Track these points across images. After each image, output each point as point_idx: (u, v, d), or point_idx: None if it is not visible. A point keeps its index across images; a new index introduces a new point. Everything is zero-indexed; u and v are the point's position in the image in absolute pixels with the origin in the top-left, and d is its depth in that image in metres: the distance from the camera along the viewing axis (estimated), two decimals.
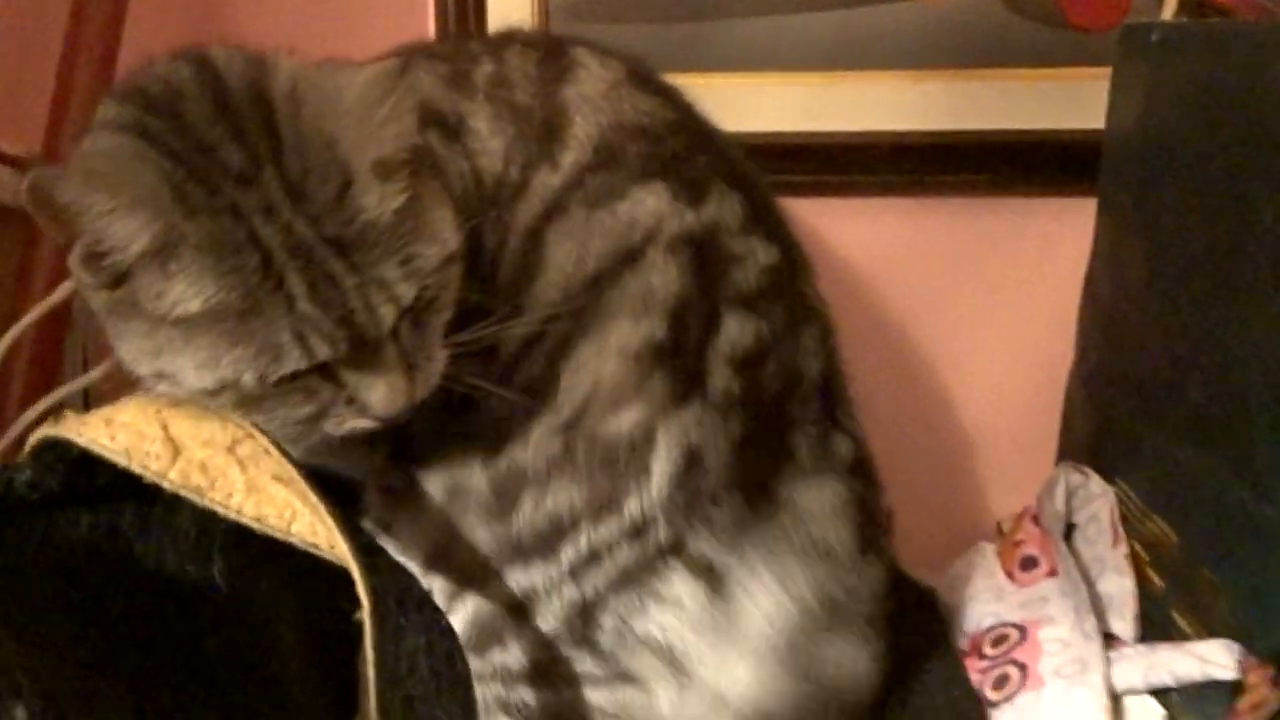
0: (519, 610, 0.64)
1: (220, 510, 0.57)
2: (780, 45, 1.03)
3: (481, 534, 0.63)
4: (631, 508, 0.61)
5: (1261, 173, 0.62)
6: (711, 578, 0.63)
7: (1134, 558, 0.74)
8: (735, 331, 0.64)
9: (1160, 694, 0.65)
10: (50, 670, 0.49)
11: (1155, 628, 0.70)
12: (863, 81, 1.03)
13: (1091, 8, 0.98)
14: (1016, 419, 1.06)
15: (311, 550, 0.57)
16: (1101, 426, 0.85)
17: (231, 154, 0.53)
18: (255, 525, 0.57)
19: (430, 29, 1.02)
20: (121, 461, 0.56)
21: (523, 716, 0.64)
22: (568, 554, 0.62)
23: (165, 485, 0.56)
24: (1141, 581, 0.73)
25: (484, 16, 1.02)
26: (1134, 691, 0.66)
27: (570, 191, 0.64)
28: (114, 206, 0.51)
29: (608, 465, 0.61)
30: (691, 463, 0.62)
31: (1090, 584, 0.74)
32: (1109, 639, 0.70)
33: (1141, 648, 0.68)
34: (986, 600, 0.78)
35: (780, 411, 0.67)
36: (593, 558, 0.62)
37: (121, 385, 0.62)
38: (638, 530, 0.62)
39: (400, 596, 0.60)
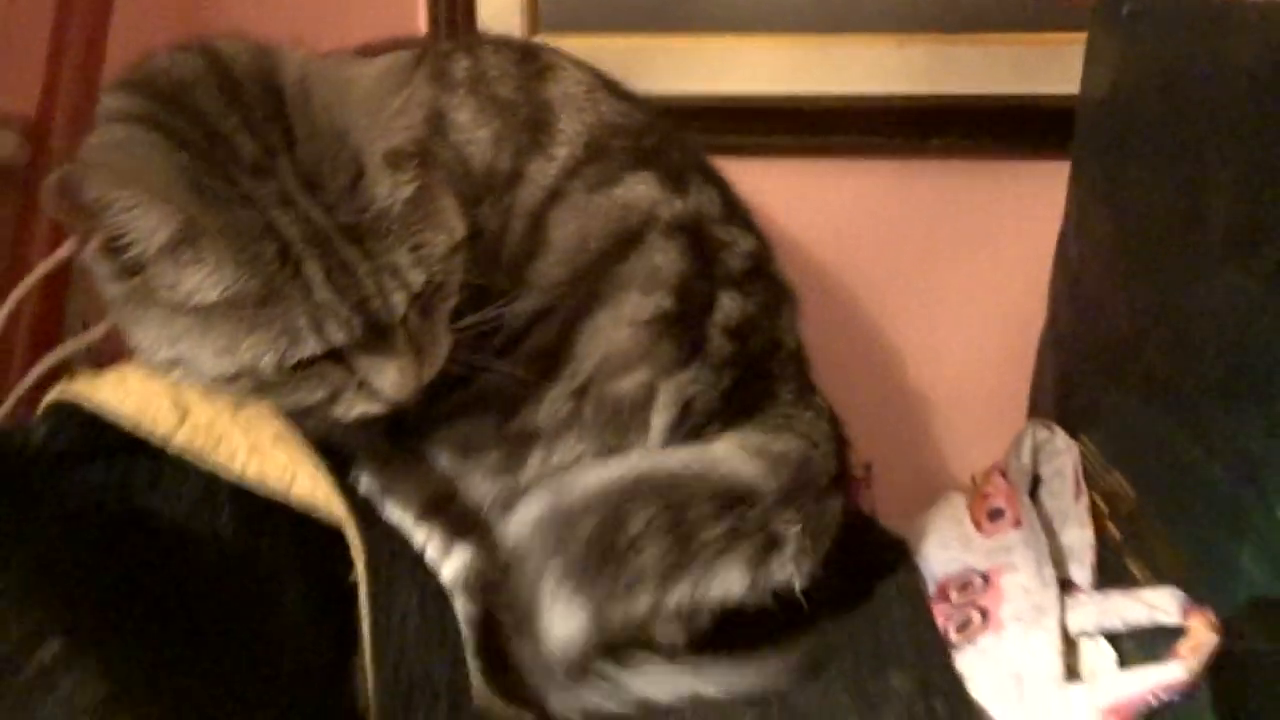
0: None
1: (223, 472, 0.59)
2: (765, 7, 1.04)
3: (485, 488, 0.66)
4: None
5: (1217, 147, 0.64)
6: None
7: (1094, 510, 0.78)
8: (729, 306, 0.70)
9: (1113, 638, 0.68)
10: (72, 614, 0.52)
11: (1111, 575, 0.74)
12: (847, 45, 1.04)
13: None
14: (990, 376, 1.08)
15: (309, 511, 0.60)
16: (1068, 384, 0.88)
17: (245, 145, 0.54)
18: (257, 486, 0.59)
19: (421, 26, 1.02)
20: (129, 424, 0.59)
21: None
22: None
23: (170, 448, 0.59)
24: (1100, 532, 0.76)
25: (473, 13, 1.01)
26: (1087, 635, 0.69)
27: (568, 179, 0.68)
28: (136, 202, 0.52)
29: (613, 422, 0.67)
30: (686, 412, 0.68)
31: (1053, 535, 0.78)
32: (1068, 586, 0.73)
33: (1096, 595, 0.72)
34: (955, 549, 0.81)
35: (765, 368, 0.73)
36: None
37: (122, 344, 0.64)
38: None
39: (393, 557, 0.63)
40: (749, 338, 0.72)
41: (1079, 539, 0.76)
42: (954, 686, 0.66)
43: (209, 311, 0.54)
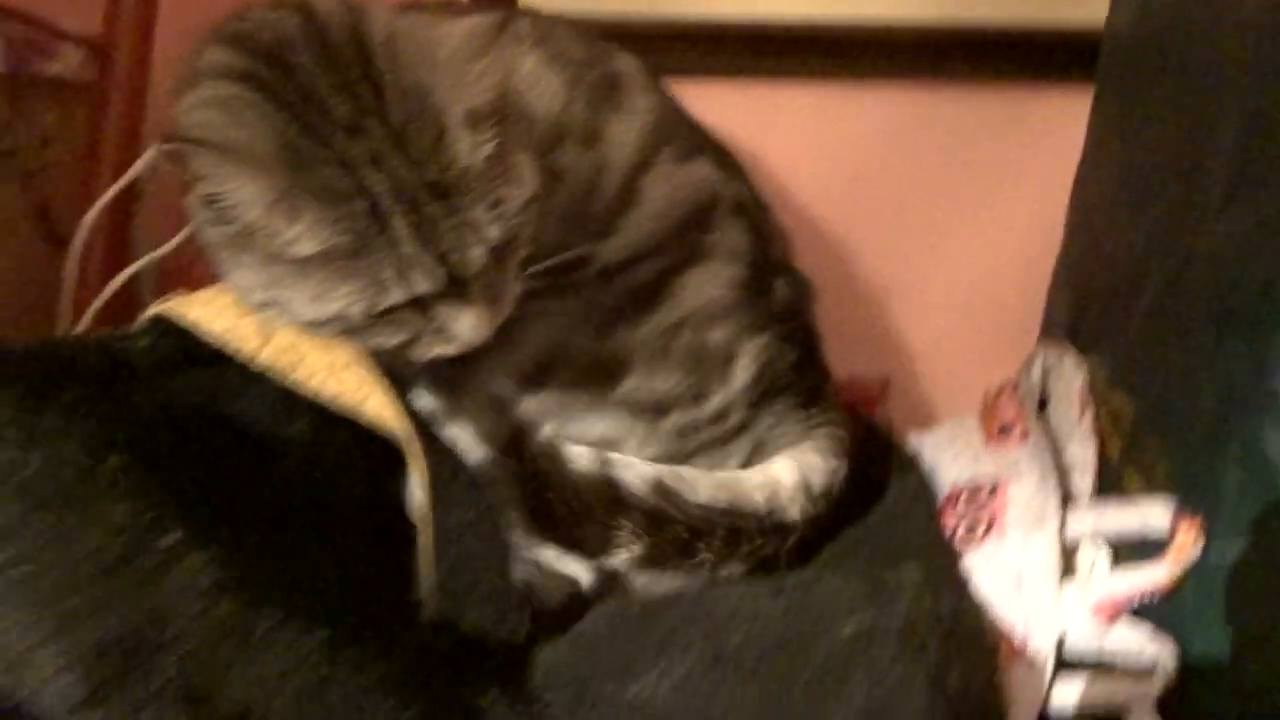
0: None
1: (300, 388, 0.64)
2: None
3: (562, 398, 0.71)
4: (715, 401, 0.74)
5: (1221, 95, 0.66)
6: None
7: (1098, 426, 0.81)
8: (781, 289, 0.78)
9: (1111, 543, 0.73)
10: (185, 507, 0.57)
11: (1109, 486, 0.78)
12: None
13: None
14: (1009, 296, 1.11)
15: (377, 427, 0.65)
16: (1078, 308, 0.91)
17: (340, 105, 0.57)
18: (331, 402, 0.64)
19: None
20: (217, 341, 0.64)
21: None
22: (665, 426, 0.73)
23: (254, 365, 0.64)
24: (1102, 447, 0.80)
25: None
26: (1086, 539, 0.74)
27: (656, 149, 0.74)
28: (238, 174, 0.55)
29: (700, 366, 0.73)
30: (761, 374, 0.75)
31: (1057, 450, 0.82)
32: (1069, 497, 0.78)
33: (1094, 504, 0.77)
34: (965, 460, 0.85)
35: (813, 354, 0.82)
36: (679, 434, 0.73)
37: (195, 259, 0.67)
38: (720, 416, 0.74)
39: (451, 476, 0.68)
40: (798, 319, 0.80)
41: (1081, 454, 0.80)
42: (960, 582, 0.72)
43: (304, 263, 0.57)
